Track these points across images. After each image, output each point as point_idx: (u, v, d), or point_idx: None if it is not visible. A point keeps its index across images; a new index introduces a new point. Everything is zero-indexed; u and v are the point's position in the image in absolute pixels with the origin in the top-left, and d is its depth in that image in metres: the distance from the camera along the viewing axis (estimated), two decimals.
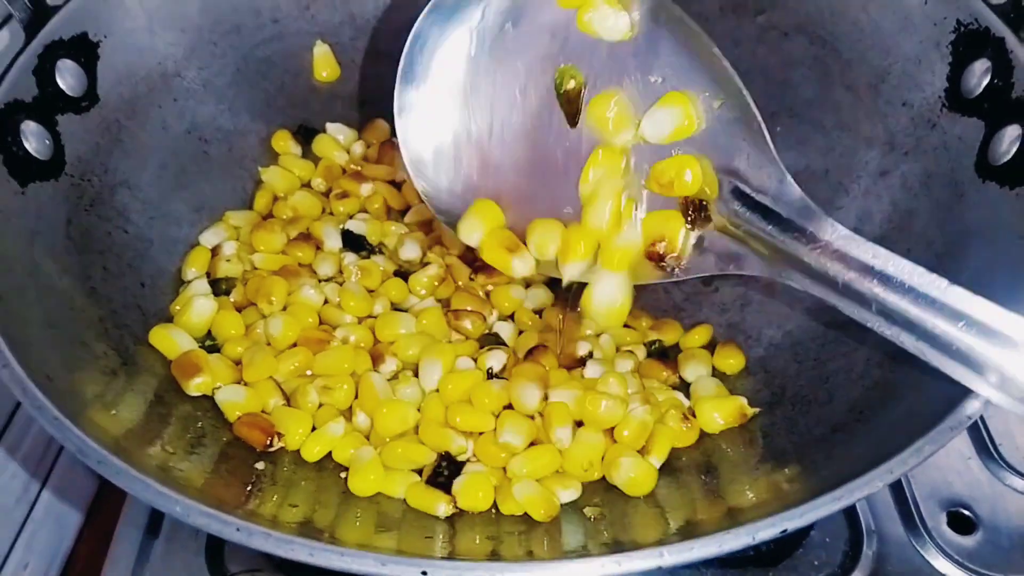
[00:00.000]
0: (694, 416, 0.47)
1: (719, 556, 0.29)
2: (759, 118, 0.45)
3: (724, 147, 0.45)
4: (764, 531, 0.29)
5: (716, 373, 0.51)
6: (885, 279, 0.37)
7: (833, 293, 0.39)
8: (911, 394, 0.39)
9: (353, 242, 0.56)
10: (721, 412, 0.46)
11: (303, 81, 0.62)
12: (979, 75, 0.47)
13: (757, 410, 0.47)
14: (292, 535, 0.30)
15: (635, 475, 0.43)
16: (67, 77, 0.49)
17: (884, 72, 0.53)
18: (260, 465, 0.43)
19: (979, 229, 0.45)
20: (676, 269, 0.45)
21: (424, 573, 0.28)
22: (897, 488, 0.51)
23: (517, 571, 0.29)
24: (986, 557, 0.48)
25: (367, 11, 0.64)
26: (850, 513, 0.50)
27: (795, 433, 0.44)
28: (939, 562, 0.48)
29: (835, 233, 0.40)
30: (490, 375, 0.49)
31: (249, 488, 0.39)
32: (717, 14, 0.62)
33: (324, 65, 0.63)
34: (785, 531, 0.29)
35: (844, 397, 0.44)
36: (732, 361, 0.51)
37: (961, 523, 0.50)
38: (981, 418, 0.54)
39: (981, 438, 0.53)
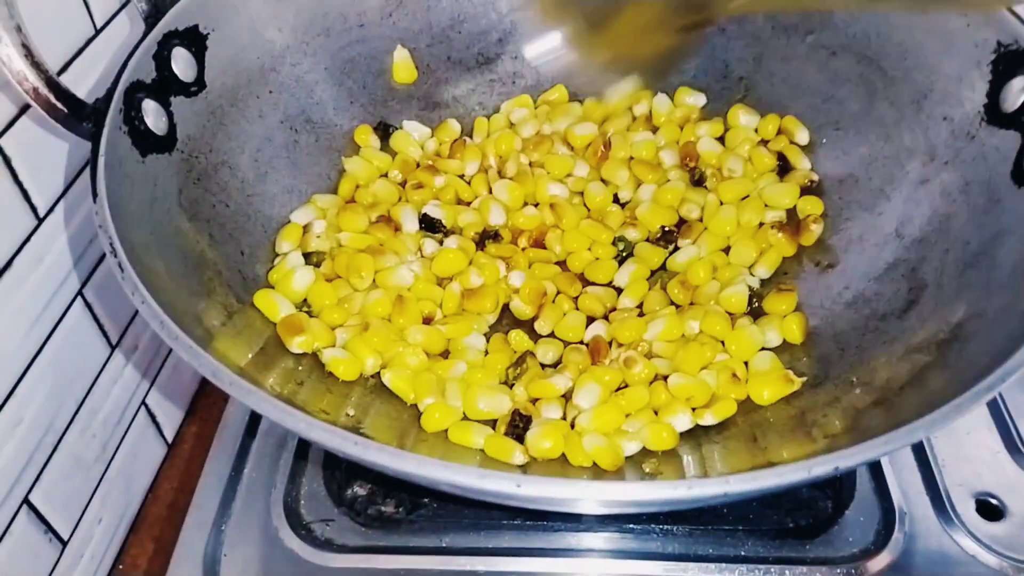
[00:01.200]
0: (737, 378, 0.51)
1: (778, 489, 0.33)
2: None
3: None
4: (819, 467, 0.32)
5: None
6: None
7: None
8: (949, 371, 0.42)
9: (430, 225, 0.60)
10: (770, 389, 0.50)
11: (383, 82, 0.67)
12: (1017, 91, 0.50)
13: (803, 379, 0.50)
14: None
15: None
16: (180, 63, 0.53)
17: (927, 89, 0.57)
18: (351, 411, 0.47)
19: (1012, 229, 0.48)
20: None
21: (518, 485, 0.32)
22: (928, 476, 0.54)
23: (600, 488, 0.33)
24: (1013, 542, 0.51)
25: (443, 21, 0.69)
26: (883, 495, 0.52)
27: (837, 408, 0.47)
28: (967, 543, 0.51)
29: None
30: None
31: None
32: (769, 33, 0.66)
33: (403, 68, 0.67)
34: (837, 468, 0.33)
35: (884, 377, 0.47)
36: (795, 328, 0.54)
37: (989, 511, 0.53)
38: (1010, 416, 0.57)
39: (1010, 435, 0.56)
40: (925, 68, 0.57)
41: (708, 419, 0.49)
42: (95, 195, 0.43)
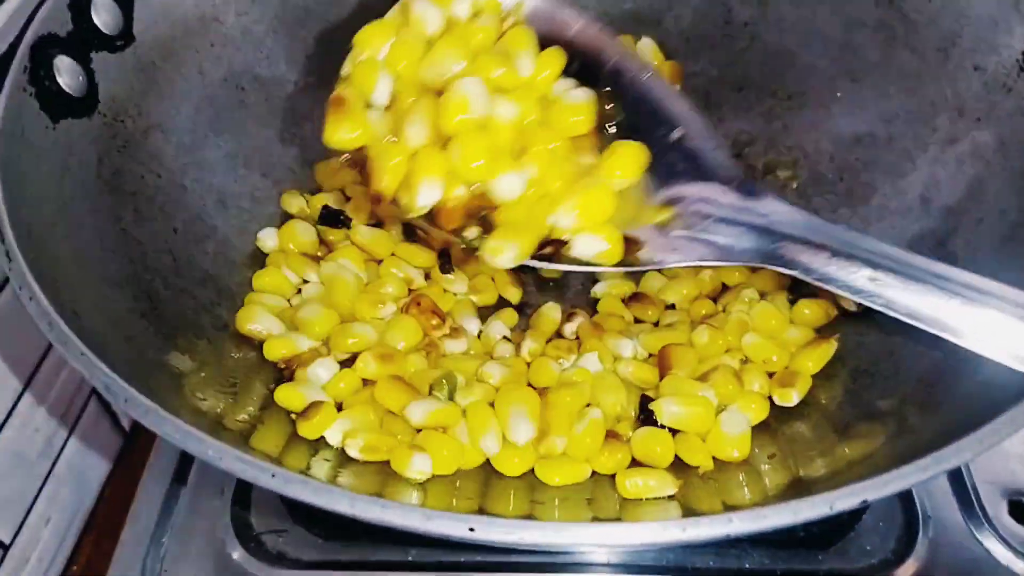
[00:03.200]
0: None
1: (792, 526, 0.27)
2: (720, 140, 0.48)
3: (683, 171, 0.46)
4: (842, 500, 0.27)
5: None
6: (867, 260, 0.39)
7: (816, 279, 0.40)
8: (986, 365, 0.36)
9: (331, 218, 0.55)
10: (813, 359, 0.46)
11: (344, 32, 0.60)
12: None
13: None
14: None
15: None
16: (102, 13, 0.48)
17: (955, 35, 0.51)
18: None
19: None
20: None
21: (472, 529, 0.26)
22: (956, 474, 0.50)
23: (571, 530, 0.27)
24: None
25: None
26: (906, 498, 0.48)
27: (858, 407, 0.42)
28: (998, 550, 0.47)
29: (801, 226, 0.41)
30: None
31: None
32: None
33: None
34: (865, 501, 0.27)
35: (912, 369, 0.42)
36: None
37: (1023, 512, 0.48)
38: None
39: None
40: (954, 11, 0.51)
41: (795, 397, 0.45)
42: None
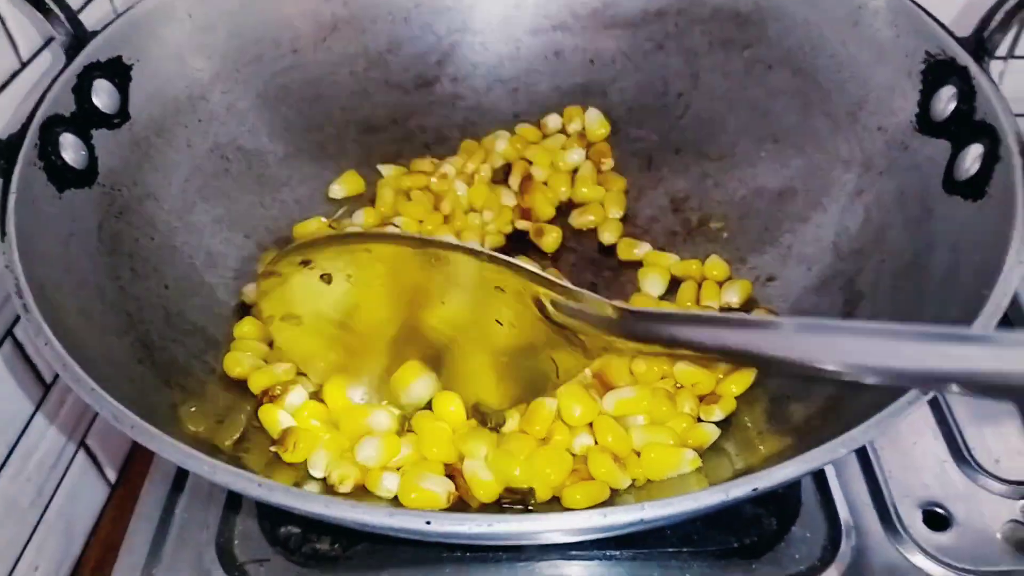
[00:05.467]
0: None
1: (697, 514, 0.32)
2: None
3: None
4: (737, 489, 0.32)
5: None
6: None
7: None
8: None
9: None
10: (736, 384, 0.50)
11: (320, 106, 0.66)
12: (946, 100, 0.51)
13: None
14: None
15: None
16: (102, 96, 0.52)
17: (861, 100, 0.57)
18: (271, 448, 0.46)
19: (943, 238, 0.48)
20: None
21: (428, 522, 0.31)
22: (874, 488, 0.53)
23: (508, 522, 0.32)
24: (960, 552, 0.50)
25: (380, 44, 0.68)
26: (829, 509, 0.52)
27: (772, 423, 0.47)
28: (915, 557, 0.50)
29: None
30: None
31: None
32: (706, 49, 0.66)
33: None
34: (755, 490, 0.32)
35: (820, 392, 0.46)
36: None
37: (936, 521, 0.52)
38: (956, 424, 0.57)
39: (955, 443, 0.56)
40: (859, 79, 0.57)
41: (718, 414, 0.49)
42: (3, 234, 0.42)
